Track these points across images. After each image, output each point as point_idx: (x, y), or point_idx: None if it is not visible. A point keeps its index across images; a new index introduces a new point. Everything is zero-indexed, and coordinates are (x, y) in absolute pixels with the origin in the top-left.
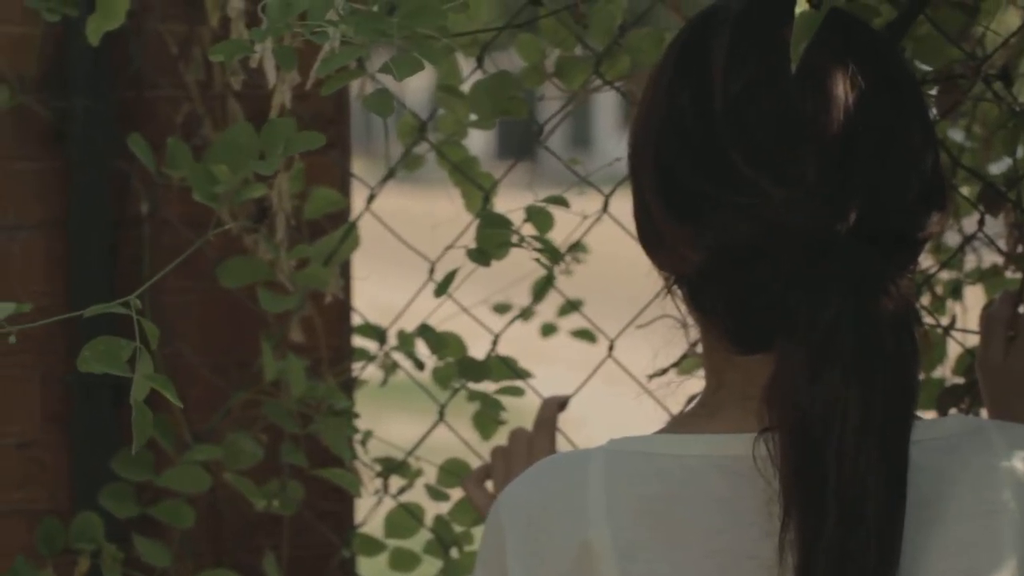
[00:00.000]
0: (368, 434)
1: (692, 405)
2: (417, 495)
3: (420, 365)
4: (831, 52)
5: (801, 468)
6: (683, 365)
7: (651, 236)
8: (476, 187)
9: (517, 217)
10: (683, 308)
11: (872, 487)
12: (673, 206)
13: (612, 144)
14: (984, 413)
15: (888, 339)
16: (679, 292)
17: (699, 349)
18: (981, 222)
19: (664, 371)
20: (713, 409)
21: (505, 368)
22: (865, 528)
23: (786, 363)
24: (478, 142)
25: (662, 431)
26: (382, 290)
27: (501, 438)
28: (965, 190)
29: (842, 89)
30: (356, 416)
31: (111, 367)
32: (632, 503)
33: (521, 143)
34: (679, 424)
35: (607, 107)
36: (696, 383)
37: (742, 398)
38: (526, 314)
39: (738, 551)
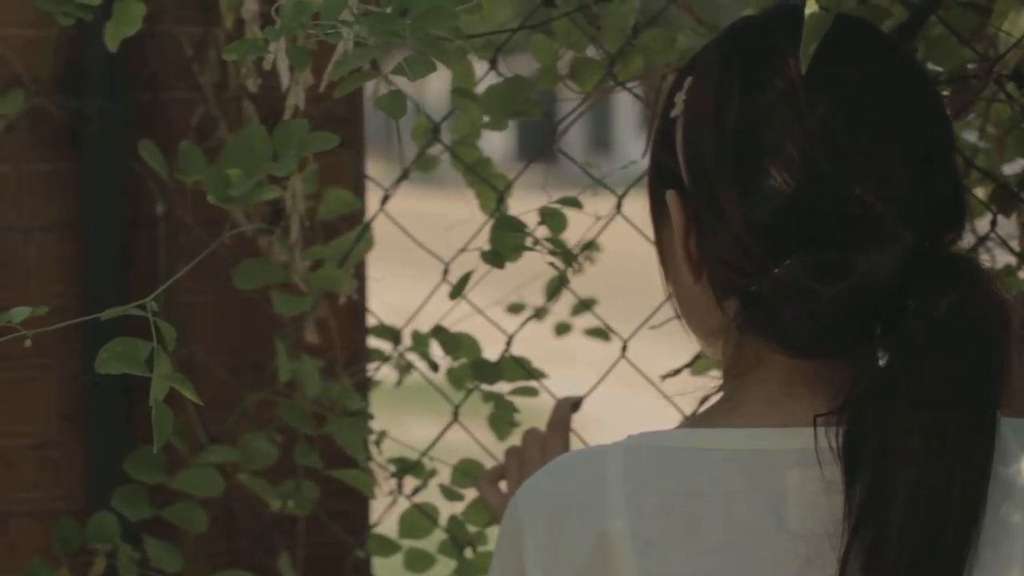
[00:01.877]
0: (382, 435)
1: (712, 401)
2: (431, 495)
3: (434, 366)
4: (891, 65)
5: (884, 468)
6: (697, 365)
7: (716, 251)
8: (490, 188)
9: (532, 218)
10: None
11: (955, 494)
12: (768, 225)
13: (631, 146)
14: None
15: (993, 343)
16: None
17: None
18: (994, 223)
19: (678, 371)
20: (735, 404)
21: (519, 369)
22: (941, 532)
23: (896, 368)
24: (497, 144)
25: (681, 426)
26: (396, 291)
27: (515, 439)
28: (978, 191)
29: (912, 102)
30: (370, 417)
31: (130, 367)
32: (650, 497)
33: (540, 144)
34: (699, 420)
35: (626, 109)
36: (711, 383)
37: (768, 394)
38: (540, 314)
39: (755, 545)
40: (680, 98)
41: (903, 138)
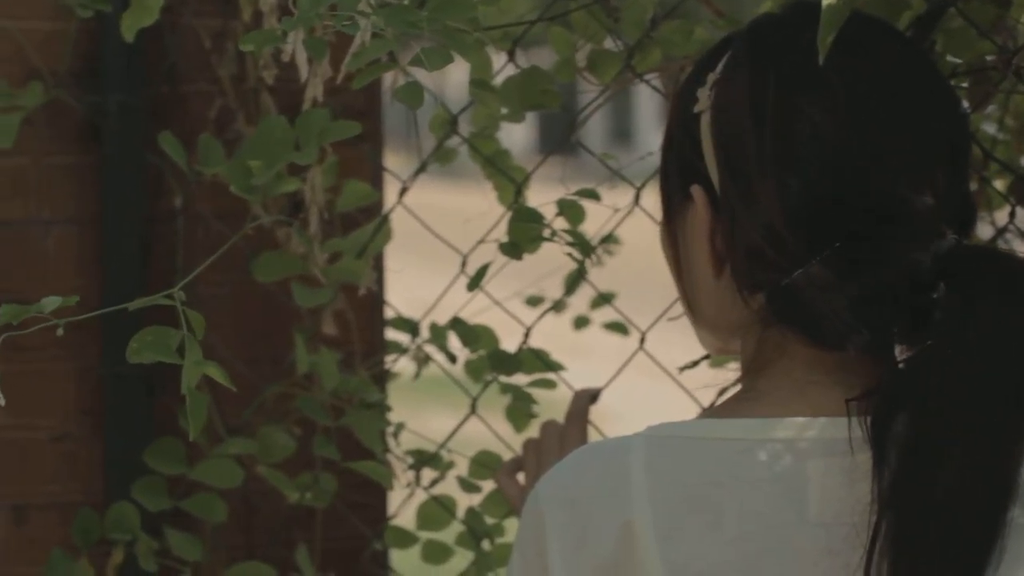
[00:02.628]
0: (400, 427)
1: (731, 393)
2: (449, 487)
3: (452, 358)
4: (916, 62)
5: (915, 456)
6: (715, 357)
7: (746, 245)
8: (508, 180)
9: (550, 211)
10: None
11: (982, 491)
12: (806, 218)
13: (651, 137)
14: None
15: None
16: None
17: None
18: (1012, 214)
19: (696, 363)
20: (757, 395)
21: (537, 361)
22: (963, 530)
23: (935, 359)
24: (518, 136)
25: (701, 417)
26: (415, 283)
27: (533, 431)
28: (997, 183)
29: (939, 98)
30: (388, 409)
31: (161, 355)
32: (673, 487)
33: (559, 137)
34: (720, 410)
35: (647, 100)
36: (729, 375)
37: (791, 384)
38: (558, 307)
39: (777, 535)
40: (704, 93)
41: (935, 134)
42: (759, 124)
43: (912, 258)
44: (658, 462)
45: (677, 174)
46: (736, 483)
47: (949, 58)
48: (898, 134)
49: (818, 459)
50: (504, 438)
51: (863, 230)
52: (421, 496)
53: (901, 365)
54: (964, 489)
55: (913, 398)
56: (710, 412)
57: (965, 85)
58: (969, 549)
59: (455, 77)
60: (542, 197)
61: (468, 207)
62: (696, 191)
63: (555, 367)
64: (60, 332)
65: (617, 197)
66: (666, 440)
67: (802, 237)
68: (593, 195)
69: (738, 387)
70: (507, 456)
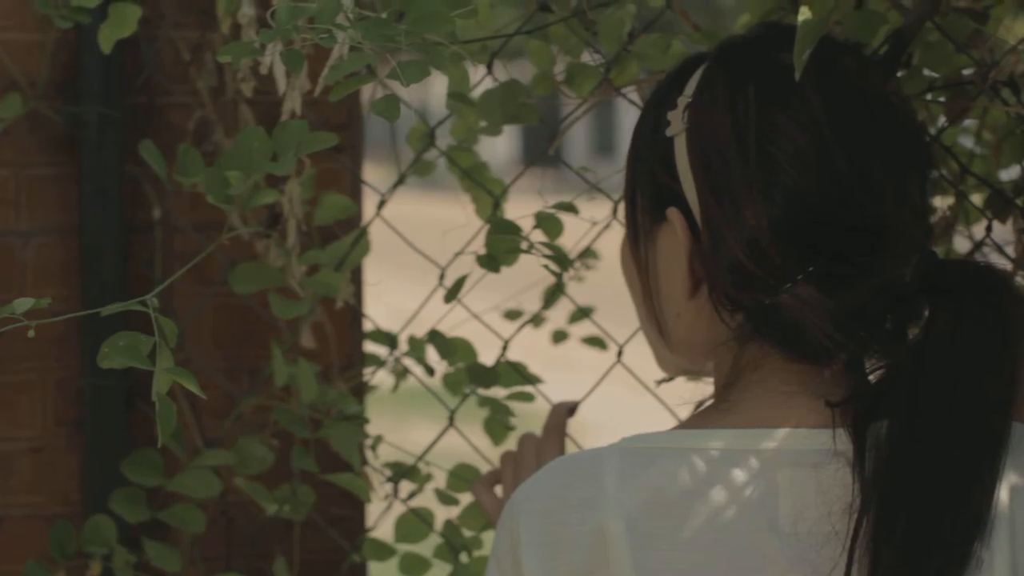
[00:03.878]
0: (378, 439)
1: (706, 403)
2: (427, 500)
3: (431, 371)
4: (882, 83)
5: (898, 461)
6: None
7: (727, 264)
8: (486, 193)
9: (528, 223)
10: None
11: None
12: (792, 235)
13: None
14: None
15: (1013, 348)
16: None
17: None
18: (989, 228)
19: (673, 377)
20: (730, 406)
21: (515, 374)
22: (942, 533)
23: (922, 369)
24: (500, 148)
25: (676, 428)
26: (393, 296)
27: (511, 443)
28: (974, 197)
29: (910, 116)
30: (366, 421)
31: (133, 361)
32: (645, 495)
33: (541, 149)
34: (694, 420)
35: (629, 114)
36: (706, 389)
37: (764, 395)
38: (536, 320)
39: (747, 543)
40: (677, 116)
41: (909, 150)
42: (741, 144)
43: (894, 273)
44: (631, 471)
45: (647, 197)
46: (707, 492)
47: (926, 72)
48: (877, 151)
49: (788, 469)
50: (482, 451)
51: (846, 246)
52: (399, 508)
53: (877, 375)
54: (946, 493)
55: (897, 406)
56: (686, 423)
57: (942, 99)
58: (951, 549)
59: (438, 89)
60: (523, 209)
61: (446, 219)
62: (673, 213)
63: (533, 380)
64: (31, 334)
65: (596, 210)
66: (639, 451)
67: (787, 253)
68: (571, 208)
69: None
70: (485, 469)
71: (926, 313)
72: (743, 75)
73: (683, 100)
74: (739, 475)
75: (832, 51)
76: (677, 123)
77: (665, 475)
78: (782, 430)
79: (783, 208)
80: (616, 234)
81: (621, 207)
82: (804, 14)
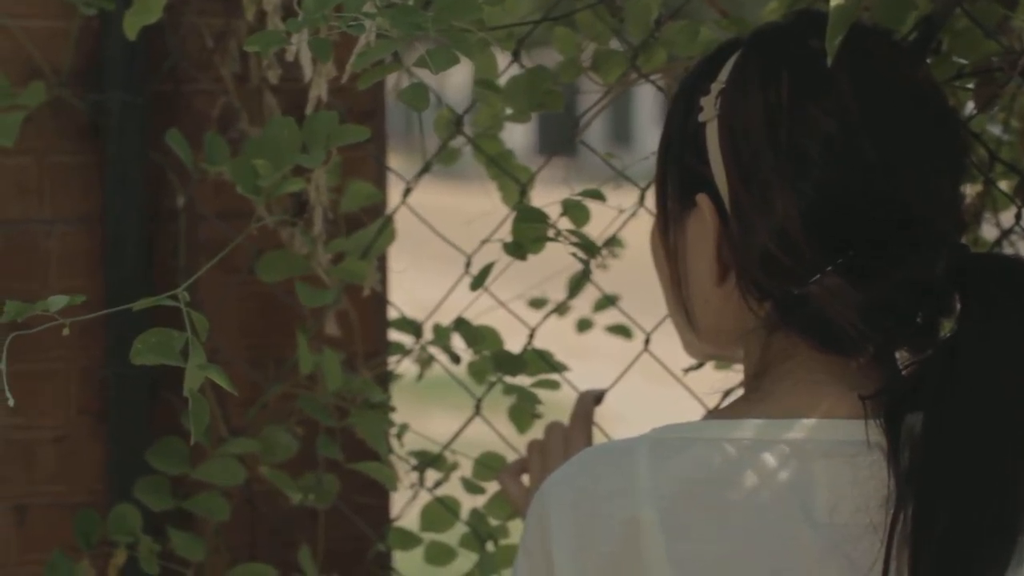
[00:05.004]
0: (404, 428)
1: (738, 392)
2: (453, 489)
3: (456, 359)
4: (918, 72)
5: (936, 454)
6: (719, 360)
7: (757, 252)
8: (512, 181)
9: (554, 211)
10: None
11: (1000, 488)
12: (824, 224)
13: (651, 139)
14: None
15: None
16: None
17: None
18: (1018, 216)
19: (700, 365)
20: (763, 395)
21: (541, 362)
22: (984, 526)
23: (956, 361)
24: (518, 137)
25: (707, 417)
26: (418, 284)
27: (537, 432)
28: (1002, 184)
29: (944, 108)
30: (392, 410)
31: (165, 358)
32: (679, 485)
33: (560, 138)
34: (726, 411)
35: (646, 102)
36: (733, 378)
37: (796, 385)
38: (562, 309)
39: (782, 533)
40: (709, 102)
41: (941, 142)
42: (773, 133)
43: (925, 265)
44: (663, 461)
45: (677, 182)
46: (741, 482)
47: (955, 59)
48: (908, 142)
49: (823, 460)
50: (508, 439)
51: (877, 237)
52: (425, 497)
53: (910, 367)
54: (985, 486)
55: (931, 399)
56: (715, 413)
57: (971, 86)
58: (994, 542)
59: (455, 79)
60: (542, 198)
61: (471, 207)
62: (702, 199)
63: (559, 368)
64: (66, 332)
65: (620, 198)
66: (671, 440)
67: (816, 244)
68: (598, 195)
69: (742, 389)
70: (511, 457)
71: (958, 307)
72: (776, 62)
73: (716, 86)
74: (772, 464)
75: (864, 38)
76: (709, 109)
77: (698, 465)
78: (814, 420)
79: (813, 198)
80: (641, 222)
81: (649, 195)
82: None
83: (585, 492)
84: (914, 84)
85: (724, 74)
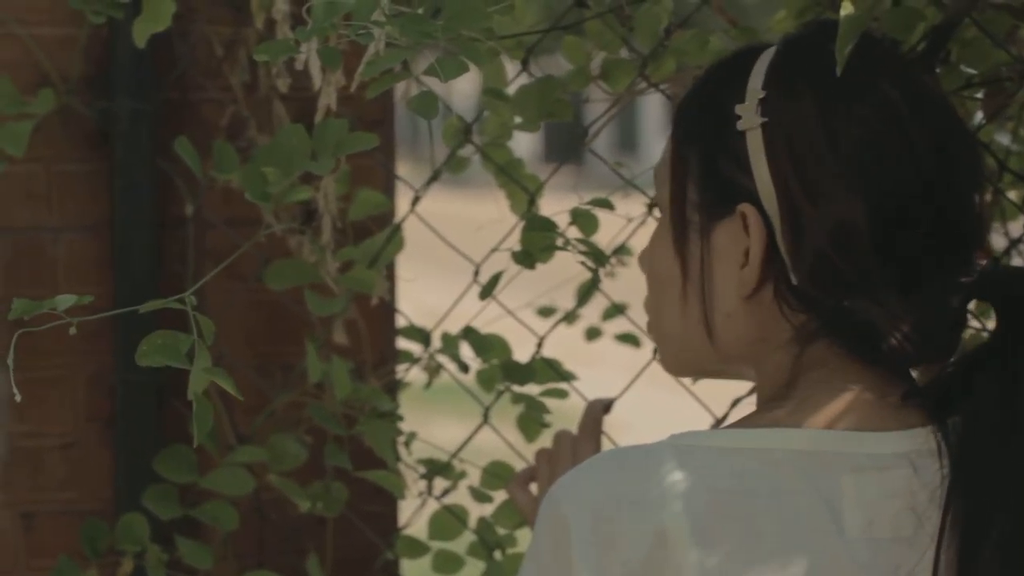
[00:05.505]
0: (412, 436)
1: (747, 401)
2: (461, 497)
3: (464, 367)
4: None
5: (987, 470)
6: None
7: (806, 262)
8: (521, 189)
9: (562, 220)
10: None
11: None
12: (880, 242)
13: (658, 148)
14: None
15: None
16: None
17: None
18: None
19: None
20: (794, 404)
21: (549, 370)
22: None
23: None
24: (525, 145)
25: (731, 426)
26: (427, 292)
27: (545, 441)
28: (1011, 194)
29: (963, 125)
30: (400, 418)
31: (171, 360)
32: (708, 495)
33: (567, 146)
34: (753, 419)
35: (653, 110)
36: (742, 386)
37: (828, 392)
38: (571, 317)
39: (813, 546)
40: (749, 110)
41: (975, 156)
42: (832, 139)
43: (968, 276)
44: (691, 470)
45: (708, 192)
46: (773, 493)
47: (963, 69)
48: (955, 152)
49: (851, 475)
50: (516, 448)
51: (926, 247)
52: (433, 506)
53: (942, 376)
54: None
55: (973, 406)
56: (741, 422)
57: (979, 96)
58: None
59: (461, 88)
60: (550, 206)
61: (475, 216)
62: (747, 209)
63: (567, 377)
64: (73, 331)
65: (628, 207)
66: (700, 449)
67: (873, 253)
68: (607, 204)
69: (751, 397)
70: (519, 466)
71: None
72: (822, 67)
73: (754, 93)
74: (804, 477)
75: (893, 54)
76: (751, 117)
77: (730, 475)
78: (846, 432)
79: (873, 205)
80: (650, 231)
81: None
82: (846, 9)
83: (604, 498)
84: (942, 94)
85: (756, 81)
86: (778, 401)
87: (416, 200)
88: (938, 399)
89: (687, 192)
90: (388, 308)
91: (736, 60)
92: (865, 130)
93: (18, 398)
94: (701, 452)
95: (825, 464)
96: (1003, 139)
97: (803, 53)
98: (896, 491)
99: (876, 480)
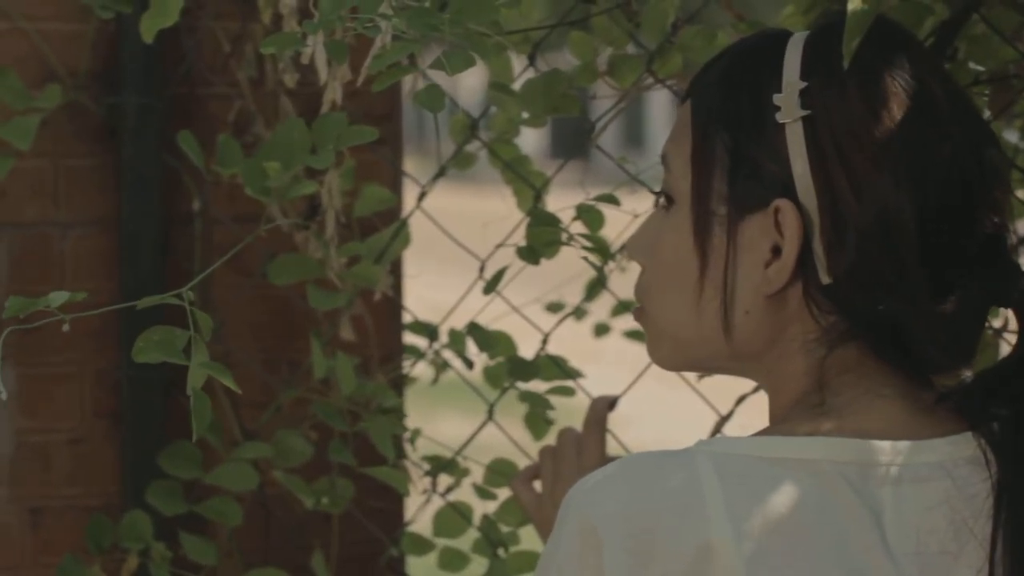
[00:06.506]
0: (417, 432)
1: (751, 399)
2: (465, 494)
3: (470, 364)
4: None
5: None
6: None
7: (860, 266)
8: (527, 185)
9: (568, 216)
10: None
11: None
12: (923, 241)
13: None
14: None
15: None
16: (815, 307)
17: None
18: None
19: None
20: (827, 409)
21: (555, 367)
22: None
23: None
24: (531, 141)
25: (766, 433)
26: (433, 288)
27: (551, 438)
28: (1019, 192)
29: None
30: (405, 415)
31: (167, 355)
32: (751, 506)
33: (573, 142)
34: (786, 427)
35: (659, 106)
36: (746, 383)
37: (863, 396)
38: (578, 313)
39: (861, 560)
40: (788, 101)
41: (1002, 159)
42: (879, 136)
43: (994, 281)
44: (731, 480)
45: (738, 186)
46: (820, 508)
47: (971, 65)
48: (986, 156)
49: (893, 486)
50: (521, 445)
51: (959, 251)
52: (437, 502)
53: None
54: None
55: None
56: (777, 428)
57: (987, 93)
58: None
59: (467, 82)
60: (557, 202)
61: (485, 211)
62: (784, 204)
63: (573, 374)
64: (66, 328)
65: (634, 202)
66: (737, 458)
67: (917, 254)
68: (612, 200)
69: (757, 394)
70: (523, 463)
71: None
72: (865, 60)
73: (793, 84)
74: (850, 491)
75: (923, 51)
76: (791, 108)
77: (775, 487)
78: (888, 442)
79: (917, 202)
80: None
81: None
82: (854, 3)
83: (639, 506)
84: (967, 93)
85: (791, 71)
86: (812, 407)
87: (422, 196)
88: (976, 404)
89: (713, 182)
90: (394, 304)
91: (762, 45)
92: (912, 127)
93: (4, 396)
94: (739, 460)
95: (868, 477)
96: (1011, 136)
97: (840, 41)
98: (937, 502)
99: (915, 492)
